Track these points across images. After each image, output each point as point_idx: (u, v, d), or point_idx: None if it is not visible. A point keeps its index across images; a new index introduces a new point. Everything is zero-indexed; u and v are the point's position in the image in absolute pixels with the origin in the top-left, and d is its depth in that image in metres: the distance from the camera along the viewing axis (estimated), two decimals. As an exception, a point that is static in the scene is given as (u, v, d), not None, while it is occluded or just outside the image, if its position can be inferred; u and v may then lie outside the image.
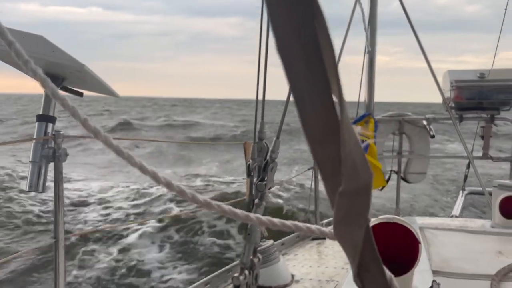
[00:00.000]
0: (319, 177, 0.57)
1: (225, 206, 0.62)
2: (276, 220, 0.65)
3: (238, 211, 0.63)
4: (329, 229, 0.66)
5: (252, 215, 0.64)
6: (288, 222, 0.66)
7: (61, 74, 1.54)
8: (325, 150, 0.48)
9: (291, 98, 0.47)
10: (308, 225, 0.68)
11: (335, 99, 0.46)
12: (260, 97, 2.35)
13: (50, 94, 0.61)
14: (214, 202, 0.62)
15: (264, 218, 0.65)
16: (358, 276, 0.58)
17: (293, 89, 0.46)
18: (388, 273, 0.60)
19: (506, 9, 4.25)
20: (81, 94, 1.67)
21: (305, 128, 0.47)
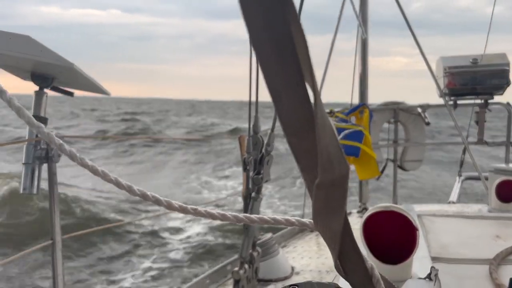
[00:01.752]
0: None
1: (202, 209, 0.64)
2: (253, 216, 0.67)
3: (214, 212, 0.65)
4: (309, 220, 0.67)
5: (229, 214, 0.65)
6: (266, 217, 0.68)
7: (51, 74, 1.52)
8: (301, 143, 0.49)
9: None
10: (287, 217, 0.69)
11: (310, 93, 0.47)
12: (253, 90, 2.34)
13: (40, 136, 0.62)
14: (189, 207, 0.63)
15: (242, 215, 0.66)
16: (340, 265, 0.59)
17: (268, 83, 0.46)
18: (369, 262, 0.61)
19: None
20: (71, 94, 1.66)
21: (282, 122, 0.48)
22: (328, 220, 0.54)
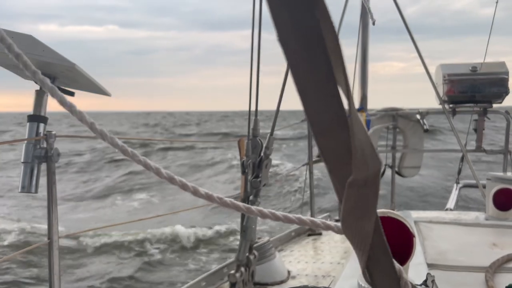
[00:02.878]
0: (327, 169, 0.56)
1: (227, 199, 0.61)
2: (279, 213, 0.64)
3: (240, 204, 0.62)
4: (334, 223, 0.65)
5: (254, 208, 0.63)
6: (292, 216, 0.65)
7: (52, 73, 1.53)
8: (331, 140, 0.47)
9: (296, 90, 0.45)
10: (312, 218, 0.66)
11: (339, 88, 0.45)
12: (254, 93, 2.34)
13: (58, 102, 0.60)
14: (215, 195, 0.60)
15: (267, 211, 0.63)
16: (367, 270, 0.57)
17: (296, 80, 0.44)
18: (396, 264, 0.59)
19: (497, 2, 4.26)
20: (72, 94, 1.66)
21: (310, 119, 0.46)
22: (360, 221, 0.52)
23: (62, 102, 0.58)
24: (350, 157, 0.46)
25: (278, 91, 2.45)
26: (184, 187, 0.59)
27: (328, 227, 0.67)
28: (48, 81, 0.57)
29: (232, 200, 0.62)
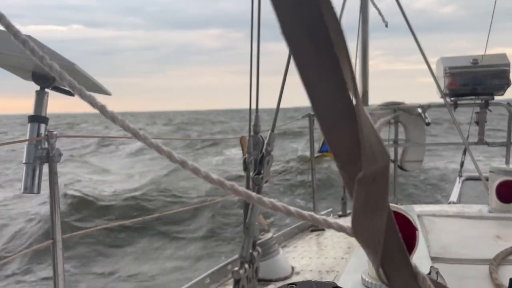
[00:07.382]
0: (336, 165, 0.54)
1: (239, 187, 0.59)
2: (292, 208, 0.61)
3: (253, 194, 0.58)
4: (347, 223, 0.62)
5: (266, 200, 0.59)
6: (305, 213, 0.62)
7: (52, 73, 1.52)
8: (340, 135, 0.45)
9: (301, 82, 0.43)
10: (325, 217, 0.63)
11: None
12: (254, 89, 2.33)
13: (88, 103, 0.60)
14: (227, 182, 0.58)
15: (280, 204, 0.60)
16: (382, 269, 0.54)
17: (301, 72, 0.42)
18: (412, 260, 0.56)
19: None
20: (72, 94, 1.66)
21: (318, 114, 0.44)
22: (371, 218, 0.50)
23: (92, 103, 0.59)
24: (359, 151, 0.45)
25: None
26: (195, 171, 0.57)
27: (341, 229, 0.63)
28: (75, 83, 0.58)
29: (244, 189, 0.59)
